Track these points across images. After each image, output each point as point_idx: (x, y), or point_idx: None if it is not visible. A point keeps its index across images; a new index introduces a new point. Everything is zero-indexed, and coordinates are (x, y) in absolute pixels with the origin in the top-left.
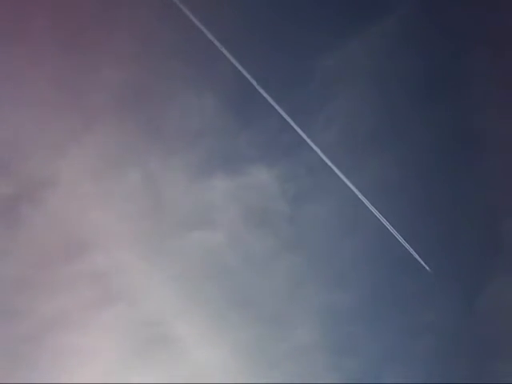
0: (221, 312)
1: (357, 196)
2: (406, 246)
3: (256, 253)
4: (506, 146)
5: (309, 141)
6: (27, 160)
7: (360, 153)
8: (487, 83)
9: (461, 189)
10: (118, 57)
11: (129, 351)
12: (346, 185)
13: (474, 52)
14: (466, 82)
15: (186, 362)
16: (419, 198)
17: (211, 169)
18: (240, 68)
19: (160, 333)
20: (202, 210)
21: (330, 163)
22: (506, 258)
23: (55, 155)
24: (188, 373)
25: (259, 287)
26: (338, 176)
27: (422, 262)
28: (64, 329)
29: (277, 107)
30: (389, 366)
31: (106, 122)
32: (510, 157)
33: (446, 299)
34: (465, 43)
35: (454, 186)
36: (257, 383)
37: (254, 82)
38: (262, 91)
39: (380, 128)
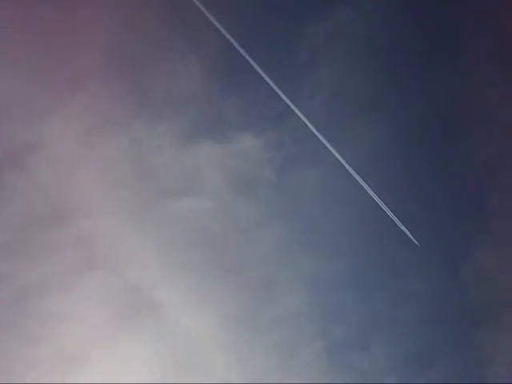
0: (207, 279)
1: (343, 166)
2: (392, 215)
3: (242, 220)
4: (497, 115)
5: (295, 109)
6: (10, 125)
7: (348, 122)
8: (481, 50)
9: (449, 161)
10: (106, 22)
11: (113, 317)
12: (333, 154)
13: (468, 18)
14: (459, 49)
15: (172, 328)
16: (404, 168)
17: (198, 135)
18: (227, 35)
19: (146, 299)
20: (188, 177)
21: (316, 132)
22: (489, 228)
23: (40, 120)
24: (174, 340)
25: (245, 254)
26: (325, 145)
27: (408, 233)
28: (47, 294)
29: (264, 75)
30: (375, 334)
31: (92, 87)
32: (500, 127)
33: (431, 268)
34: (459, 9)
35: (442, 158)
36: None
37: (242, 50)
38: (249, 59)
39: (369, 97)
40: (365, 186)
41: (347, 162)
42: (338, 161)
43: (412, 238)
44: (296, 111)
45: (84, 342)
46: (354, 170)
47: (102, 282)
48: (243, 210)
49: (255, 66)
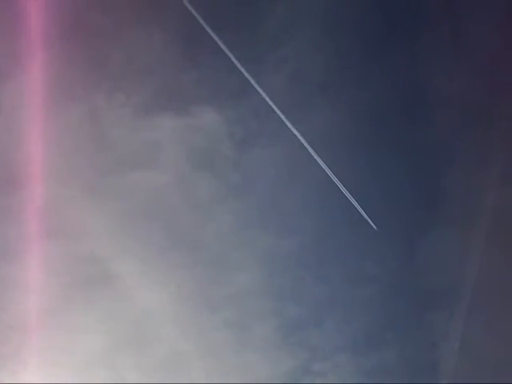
0: (161, 252)
1: (303, 145)
2: (349, 196)
3: (200, 195)
4: (456, 98)
5: (256, 86)
6: None
7: (308, 101)
8: (443, 32)
9: (408, 143)
10: None
11: (67, 286)
12: (293, 133)
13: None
14: (421, 31)
15: (125, 301)
16: (363, 149)
17: (157, 108)
18: (190, 7)
19: (100, 271)
20: (146, 149)
21: (276, 110)
22: (444, 210)
23: None
24: (127, 312)
25: (203, 229)
26: (285, 123)
27: (365, 215)
28: (2, 261)
29: (226, 49)
30: (329, 313)
31: (51, 53)
32: (460, 110)
33: (387, 250)
34: None
35: (401, 141)
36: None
37: (204, 23)
38: (211, 33)
39: (330, 77)
40: (323, 165)
41: (307, 141)
42: (298, 139)
43: (369, 219)
44: (257, 88)
45: (38, 310)
46: (314, 149)
47: (56, 251)
48: (200, 184)
49: (217, 39)
